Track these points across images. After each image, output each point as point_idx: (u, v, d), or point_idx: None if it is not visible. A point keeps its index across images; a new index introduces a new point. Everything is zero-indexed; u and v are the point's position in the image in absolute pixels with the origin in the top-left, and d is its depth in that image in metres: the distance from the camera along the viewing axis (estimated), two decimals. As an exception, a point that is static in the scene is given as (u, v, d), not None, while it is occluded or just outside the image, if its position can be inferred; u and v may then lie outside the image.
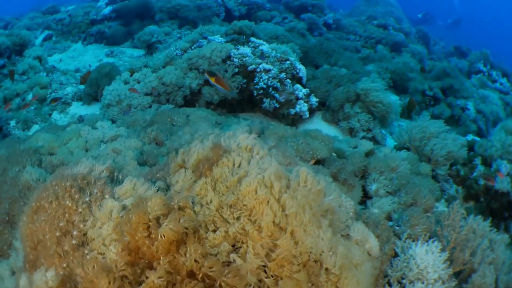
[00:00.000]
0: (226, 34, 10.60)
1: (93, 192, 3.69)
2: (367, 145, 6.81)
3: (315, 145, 5.45)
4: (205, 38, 10.34)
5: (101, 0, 21.61)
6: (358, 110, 9.30)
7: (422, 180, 7.17)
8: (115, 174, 4.18)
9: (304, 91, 9.28)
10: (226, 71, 9.15)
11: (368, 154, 6.77)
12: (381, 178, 6.29)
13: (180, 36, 15.50)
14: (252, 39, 10.40)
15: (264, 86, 8.99)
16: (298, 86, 9.30)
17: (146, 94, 9.24)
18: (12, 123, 10.32)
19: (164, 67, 9.80)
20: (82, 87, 11.68)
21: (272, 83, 8.98)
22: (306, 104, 9.15)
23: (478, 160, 8.21)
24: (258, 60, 9.23)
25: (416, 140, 8.26)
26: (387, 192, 6.23)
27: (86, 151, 6.29)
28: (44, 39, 19.27)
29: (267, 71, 9.07)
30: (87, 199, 3.60)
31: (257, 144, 3.67)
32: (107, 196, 3.57)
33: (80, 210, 3.53)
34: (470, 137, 11.94)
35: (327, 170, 5.38)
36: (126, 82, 9.91)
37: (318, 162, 5.57)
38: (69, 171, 3.89)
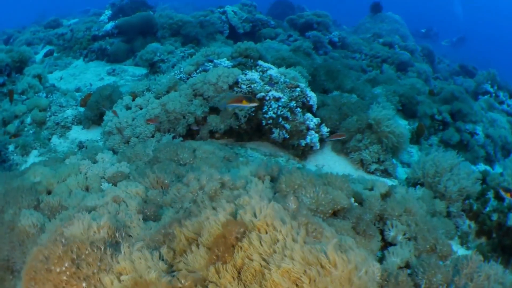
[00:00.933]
0: (232, 57, 10.18)
1: (89, 262, 3.27)
2: (383, 187, 6.38)
3: (335, 195, 5.01)
4: (211, 61, 9.92)
5: (104, 14, 21.37)
6: (369, 141, 8.89)
7: (438, 221, 6.84)
8: (116, 235, 3.77)
9: (315, 120, 8.85)
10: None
11: (385, 195, 6.37)
12: (399, 224, 5.90)
13: (184, 55, 15.10)
14: (260, 62, 9.99)
15: (274, 115, 8.55)
16: (309, 115, 8.87)
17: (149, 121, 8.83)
18: (11, 147, 9.93)
19: (167, 92, 9.37)
20: (82, 109, 11.25)
21: (282, 112, 8.55)
22: (317, 135, 8.72)
23: (490, 194, 7.86)
24: (267, 87, 8.80)
25: (429, 176, 7.92)
26: (405, 237, 5.88)
27: (87, 189, 5.89)
28: (45, 55, 18.95)
29: (277, 99, 8.64)
30: (82, 272, 3.17)
31: (276, 218, 3.22)
32: (104, 272, 3.13)
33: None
34: (482, 166, 11.54)
35: (349, 224, 4.95)
36: (127, 107, 9.53)
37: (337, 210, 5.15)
38: (62, 236, 3.48)
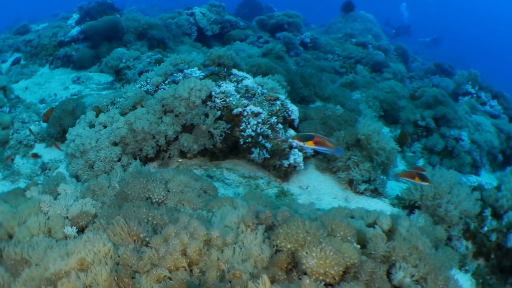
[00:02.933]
0: (204, 65, 9.14)
1: None
2: (387, 222, 5.46)
3: (343, 249, 4.06)
4: (181, 70, 8.88)
5: (71, 18, 20.41)
6: (358, 159, 7.97)
7: (442, 253, 6.10)
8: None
9: (298, 137, 7.89)
10: (206, 115, 7.69)
11: (389, 231, 5.48)
12: (407, 265, 5.03)
13: (150, 61, 14.01)
14: (234, 71, 8.98)
15: (253, 133, 7.55)
16: (291, 131, 7.90)
17: (114, 144, 7.75)
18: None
19: (134, 107, 8.31)
20: (45, 125, 10.29)
21: (262, 130, 7.56)
22: (301, 154, 7.75)
23: (488, 212, 7.26)
24: (244, 101, 7.79)
25: (428, 199, 7.16)
26: (413, 280, 5.04)
27: (49, 232, 5.01)
28: (13, 63, 17.99)
29: (256, 114, 7.64)
30: None
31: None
32: None
33: None
34: (473, 178, 10.78)
35: (362, 285, 4.00)
36: (91, 125, 8.47)
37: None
38: None
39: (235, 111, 7.63)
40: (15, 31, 22.18)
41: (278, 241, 4.09)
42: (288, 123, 8.15)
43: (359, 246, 4.78)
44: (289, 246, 4.02)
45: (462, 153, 12.35)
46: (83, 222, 5.14)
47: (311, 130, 8.30)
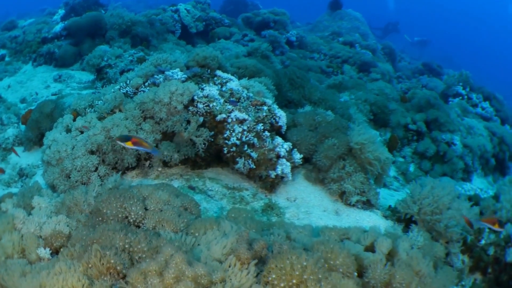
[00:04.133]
0: (187, 67, 8.52)
1: None
2: (386, 245, 4.91)
3: (343, 285, 3.49)
4: (162, 71, 8.25)
5: (57, 13, 19.95)
6: (351, 169, 7.40)
7: (442, 274, 5.54)
8: None
9: (286, 146, 7.28)
10: (188, 122, 7.08)
11: (389, 254, 4.94)
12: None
13: (132, 59, 13.36)
14: (218, 73, 8.38)
15: (237, 142, 6.95)
16: (278, 139, 7.30)
17: (91, 152, 7.11)
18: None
19: (112, 111, 7.68)
20: (24, 127, 9.89)
21: (247, 138, 6.96)
22: (289, 164, 7.15)
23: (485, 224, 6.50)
24: (229, 106, 7.18)
25: (427, 214, 6.62)
26: None
27: (23, 252, 4.69)
28: (-2, 60, 17.21)
29: (241, 121, 7.03)
30: None
31: None
32: None
33: None
34: (467, 186, 10.29)
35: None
36: (68, 129, 7.89)
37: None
38: None
39: (218, 117, 7.03)
40: (2, 27, 21.62)
41: (270, 278, 3.52)
42: (275, 130, 7.57)
43: (356, 274, 4.25)
44: (282, 285, 3.44)
45: (455, 158, 11.86)
46: (57, 243, 4.77)
47: (300, 137, 7.72)
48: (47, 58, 16.38)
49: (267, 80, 8.97)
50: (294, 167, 7.45)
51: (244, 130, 6.96)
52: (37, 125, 9.33)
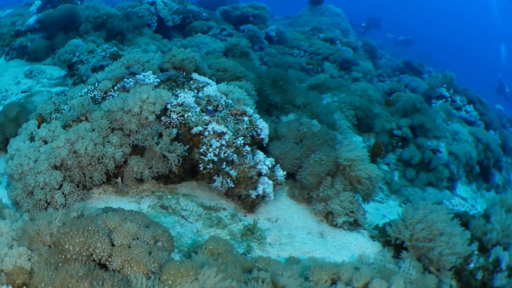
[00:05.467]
0: (161, 69, 7.70)
1: None
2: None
3: None
4: (133, 73, 7.43)
5: (34, 4, 19.03)
6: (340, 187, 6.70)
7: None
8: None
9: (269, 162, 6.52)
10: (160, 135, 6.28)
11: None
12: None
13: (105, 54, 12.49)
14: (195, 76, 7.58)
15: (215, 158, 6.17)
16: (260, 155, 6.52)
17: (55, 167, 6.25)
18: None
19: (78, 118, 6.84)
20: None
21: (226, 154, 6.18)
22: (271, 182, 6.40)
23: (475, 246, 6.24)
24: (206, 117, 6.38)
25: (420, 241, 5.99)
26: None
27: None
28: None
29: (219, 135, 6.24)
30: None
31: None
32: None
33: None
34: (456, 200, 9.71)
35: None
36: (32, 137, 7.02)
37: None
38: None
39: (194, 130, 6.24)
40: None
41: None
42: (256, 143, 6.80)
43: None
44: None
45: (440, 166, 11.25)
46: (19, 281, 4.10)
47: (283, 151, 6.97)
48: (19, 52, 15.54)
49: (248, 84, 8.18)
50: (276, 184, 6.71)
51: (222, 145, 6.18)
52: (2, 130, 8.57)
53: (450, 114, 14.36)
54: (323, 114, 9.59)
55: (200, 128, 6.21)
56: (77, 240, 4.16)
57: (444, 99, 15.68)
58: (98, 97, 7.39)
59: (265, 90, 9.38)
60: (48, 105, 7.75)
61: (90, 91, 7.57)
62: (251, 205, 6.49)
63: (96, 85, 7.65)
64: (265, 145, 6.95)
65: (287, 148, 6.98)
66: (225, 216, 6.37)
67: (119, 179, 6.56)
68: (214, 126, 6.22)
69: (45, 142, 6.74)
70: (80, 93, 7.68)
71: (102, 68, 12.05)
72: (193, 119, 6.29)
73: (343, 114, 10.61)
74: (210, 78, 8.23)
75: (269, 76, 9.73)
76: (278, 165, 6.77)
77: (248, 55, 14.17)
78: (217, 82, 8.18)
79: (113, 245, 4.31)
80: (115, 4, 22.47)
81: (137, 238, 4.50)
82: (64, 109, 7.52)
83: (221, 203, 6.66)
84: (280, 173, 6.63)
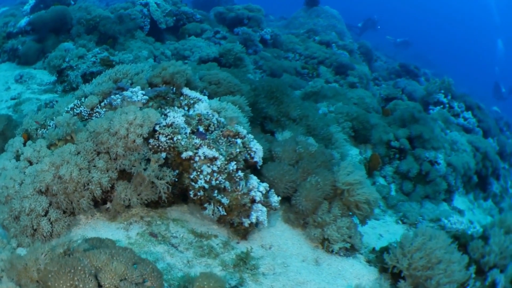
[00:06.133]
0: (150, 84, 7.34)
1: None
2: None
3: None
4: (121, 88, 7.08)
5: (27, 3, 18.63)
6: (337, 213, 6.39)
7: None
8: None
9: (263, 187, 6.18)
10: (148, 160, 5.93)
11: None
12: None
13: (95, 60, 12.13)
14: (185, 91, 7.20)
15: (206, 185, 5.82)
16: (253, 180, 6.17)
17: (40, 192, 5.88)
18: None
19: (64, 138, 6.48)
20: None
21: (217, 181, 5.84)
22: (265, 209, 6.06)
23: (472, 269, 6.07)
24: (196, 140, 6.03)
25: (418, 269, 5.77)
26: None
27: None
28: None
29: (210, 160, 5.90)
30: None
31: None
32: None
33: None
34: (454, 218, 9.42)
35: None
36: (17, 156, 6.66)
37: None
38: None
39: (184, 155, 5.89)
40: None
41: None
42: (250, 166, 6.45)
43: None
44: None
45: (438, 178, 10.95)
46: None
47: (278, 174, 6.63)
48: (10, 55, 15.21)
49: (242, 99, 7.83)
50: (271, 209, 6.39)
51: (214, 171, 5.83)
52: (-12, 144, 8.07)
53: (448, 121, 14.06)
54: (319, 128, 9.27)
55: (190, 153, 5.86)
56: (64, 281, 3.87)
57: (442, 105, 15.38)
58: (85, 114, 7.05)
59: (259, 103, 9.04)
60: (30, 120, 7.39)
61: (77, 107, 7.23)
62: (244, 233, 6.16)
63: (83, 100, 7.29)
64: (259, 167, 6.59)
65: (282, 171, 6.64)
66: (217, 244, 6.04)
67: (109, 205, 6.20)
68: (205, 151, 5.88)
69: (30, 163, 6.40)
70: (66, 109, 7.32)
71: (92, 74, 11.73)
72: (182, 142, 5.94)
73: (339, 126, 10.27)
74: (202, 91, 7.89)
75: (264, 88, 9.38)
76: (273, 190, 6.44)
77: (243, 60, 13.83)
78: (210, 96, 7.85)
79: (100, 286, 4.02)
80: (109, 3, 22.08)
81: (125, 279, 4.19)
82: (50, 126, 7.18)
83: (213, 229, 6.32)
84: (275, 199, 6.30)
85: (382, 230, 8.76)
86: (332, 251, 6.40)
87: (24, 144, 6.89)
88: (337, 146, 9.42)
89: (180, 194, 6.38)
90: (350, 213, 6.59)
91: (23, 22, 15.77)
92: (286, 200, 6.83)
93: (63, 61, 12.26)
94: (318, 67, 17.55)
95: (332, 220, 6.38)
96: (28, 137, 7.15)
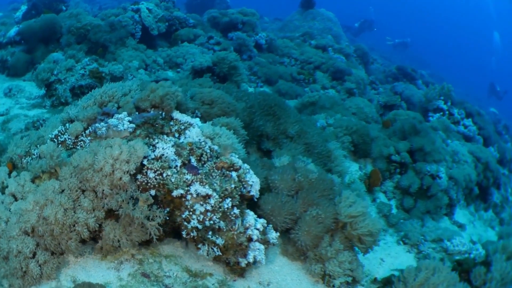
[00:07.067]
0: (138, 108, 6.86)
1: None
2: None
3: None
4: (107, 114, 6.65)
5: (19, 10, 18.47)
6: (339, 247, 6.00)
7: None
8: None
9: (260, 225, 5.73)
10: (135, 200, 5.51)
11: None
12: None
13: (84, 73, 11.68)
14: (176, 115, 6.73)
15: (199, 225, 5.41)
16: (250, 217, 5.74)
17: (27, 233, 5.47)
18: None
19: (48, 170, 6.07)
20: None
21: (211, 221, 5.42)
22: (262, 247, 5.64)
23: None
24: (187, 176, 5.59)
25: None
26: None
27: None
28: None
29: (204, 197, 5.48)
30: None
31: None
32: None
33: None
34: (456, 240, 9.10)
35: None
36: (3, 189, 6.31)
37: None
38: None
39: (175, 193, 5.44)
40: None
41: None
42: (246, 199, 6.04)
43: None
44: None
45: (439, 193, 10.56)
46: None
47: (276, 206, 6.22)
48: (0, 66, 14.76)
49: (236, 122, 7.39)
50: (269, 245, 5.98)
51: (207, 210, 5.40)
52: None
53: (448, 130, 13.66)
54: (318, 145, 8.87)
55: (181, 191, 5.43)
56: None
57: (441, 112, 15.00)
58: (69, 142, 6.64)
59: (255, 121, 8.62)
60: (18, 148, 6.96)
61: (61, 134, 6.81)
62: (241, 271, 5.75)
63: (68, 126, 6.87)
64: (255, 199, 6.17)
65: (280, 203, 6.23)
66: (213, 284, 5.62)
67: (99, 243, 5.78)
68: (198, 188, 5.45)
69: (15, 198, 6.02)
70: (50, 135, 6.90)
71: (81, 88, 11.32)
72: (173, 179, 5.51)
73: (338, 142, 9.85)
74: (193, 112, 7.49)
75: (260, 103, 8.95)
76: (271, 225, 6.01)
77: (237, 69, 13.38)
78: (202, 118, 7.44)
79: None
80: (102, 6, 21.61)
81: None
82: (34, 155, 6.76)
83: (208, 265, 5.91)
84: (273, 235, 5.86)
85: (383, 254, 8.37)
86: (333, 286, 6.02)
87: (9, 174, 6.53)
88: (336, 164, 9.01)
89: (171, 231, 5.96)
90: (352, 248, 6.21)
91: (12, 32, 15.32)
92: (285, 231, 6.44)
93: (51, 74, 11.78)
94: (314, 72, 17.12)
95: (333, 254, 5.99)
96: (13, 166, 6.76)
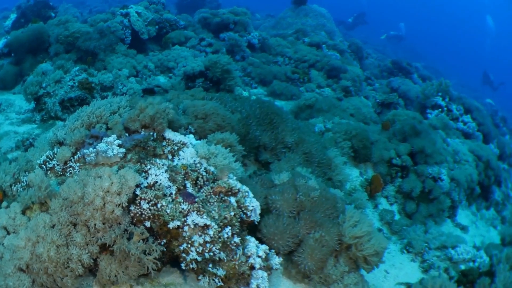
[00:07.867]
0: (127, 129, 6.51)
1: None
2: None
3: None
4: (95, 137, 6.34)
5: (9, 18, 18.45)
6: (344, 269, 5.75)
7: None
8: None
9: (262, 251, 5.46)
10: (129, 235, 5.23)
11: None
12: None
13: (73, 84, 11.36)
14: (168, 135, 6.42)
15: (199, 257, 5.13)
16: (251, 244, 5.46)
17: (21, 270, 5.20)
18: None
19: (38, 201, 5.79)
20: None
21: (211, 252, 5.15)
22: (265, 275, 5.38)
23: None
24: (183, 205, 5.30)
25: None
26: None
27: None
28: None
29: (202, 228, 5.21)
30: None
31: None
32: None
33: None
34: (461, 248, 8.91)
35: None
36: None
37: None
38: None
39: (171, 225, 5.15)
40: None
41: None
42: (246, 224, 5.77)
43: None
44: None
45: (441, 195, 10.31)
46: None
47: (278, 230, 5.95)
48: (-11, 80, 14.38)
49: (232, 137, 7.09)
50: (271, 271, 5.72)
51: (206, 241, 5.11)
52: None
53: (447, 127, 13.38)
54: (318, 154, 8.60)
55: (178, 222, 5.14)
56: None
57: (440, 109, 14.72)
58: (58, 169, 6.37)
59: (252, 132, 8.34)
60: (7, 175, 6.64)
61: (49, 159, 6.53)
62: (244, 295, 5.49)
63: (56, 151, 6.57)
64: (256, 222, 5.90)
65: (282, 227, 5.95)
66: (215, 315, 5.37)
67: (97, 275, 5.50)
68: (195, 218, 5.16)
69: (7, 232, 5.72)
70: (39, 161, 6.61)
71: (70, 100, 11.02)
72: (168, 210, 5.22)
73: (338, 149, 9.58)
74: (187, 128, 7.19)
75: (256, 113, 8.67)
76: (273, 250, 5.74)
77: (230, 72, 13.07)
78: (196, 132, 7.14)
79: None
80: (92, 10, 21.28)
81: None
82: (23, 182, 6.47)
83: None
84: (276, 260, 5.59)
85: (388, 265, 8.12)
86: (339, 308, 5.77)
87: (0, 204, 6.23)
88: (337, 173, 8.76)
89: (169, 261, 5.70)
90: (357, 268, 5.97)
91: (0, 44, 14.95)
92: (287, 253, 6.18)
93: (40, 87, 11.42)
94: (309, 71, 16.81)
95: (338, 277, 5.75)
96: (3, 194, 6.45)
